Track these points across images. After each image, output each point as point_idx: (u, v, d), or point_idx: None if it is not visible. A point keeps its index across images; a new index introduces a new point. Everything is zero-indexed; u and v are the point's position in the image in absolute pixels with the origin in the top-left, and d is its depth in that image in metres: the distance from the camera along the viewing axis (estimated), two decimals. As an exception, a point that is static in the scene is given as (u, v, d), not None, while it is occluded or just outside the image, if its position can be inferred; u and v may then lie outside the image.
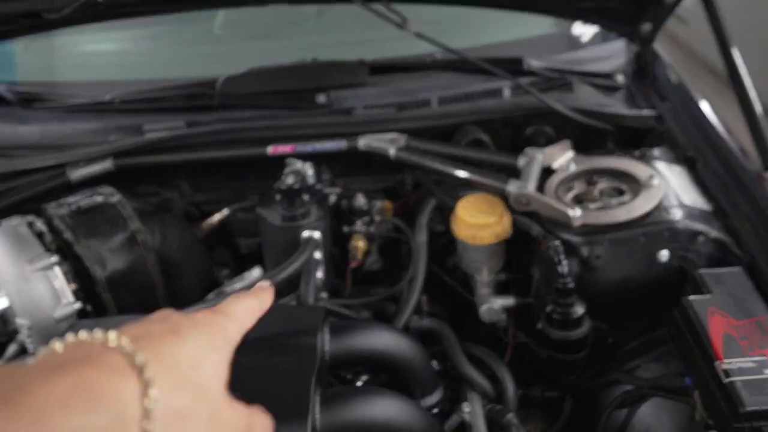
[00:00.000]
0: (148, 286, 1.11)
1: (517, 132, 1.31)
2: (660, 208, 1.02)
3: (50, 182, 1.20)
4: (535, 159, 1.15)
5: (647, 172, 1.09)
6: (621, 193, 1.10)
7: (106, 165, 1.22)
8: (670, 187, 1.07)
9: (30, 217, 1.09)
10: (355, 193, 1.20)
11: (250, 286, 1.00)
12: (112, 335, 0.42)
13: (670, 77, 1.35)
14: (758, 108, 1.09)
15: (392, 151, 1.20)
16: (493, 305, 1.12)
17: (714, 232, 1.00)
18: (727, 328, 0.84)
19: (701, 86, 1.33)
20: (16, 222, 1.07)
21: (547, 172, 1.16)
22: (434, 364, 1.02)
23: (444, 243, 1.24)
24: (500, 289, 1.18)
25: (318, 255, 1.10)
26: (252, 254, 1.30)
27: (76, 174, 1.21)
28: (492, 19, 1.48)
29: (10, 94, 1.32)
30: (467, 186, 1.17)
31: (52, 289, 1.01)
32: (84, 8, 1.12)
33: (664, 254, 1.00)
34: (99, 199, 1.12)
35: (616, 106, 1.30)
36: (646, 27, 1.29)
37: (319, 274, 1.09)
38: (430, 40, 1.22)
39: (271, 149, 1.22)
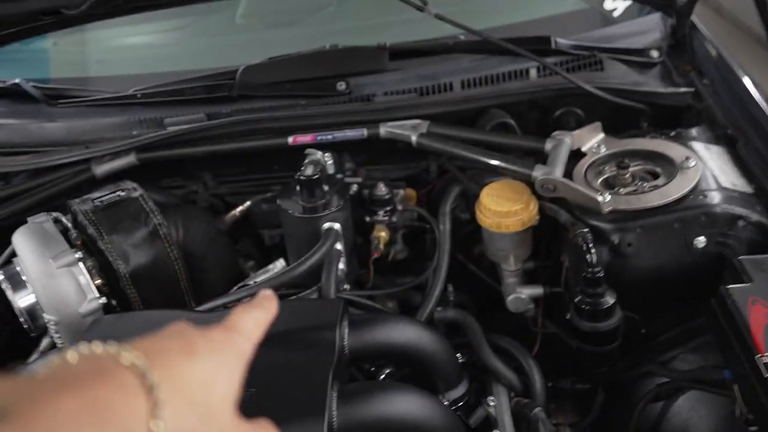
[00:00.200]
0: (172, 280, 1.11)
1: (545, 114, 1.26)
2: (696, 191, 0.97)
3: (76, 178, 1.21)
4: (563, 143, 1.11)
5: (683, 153, 1.03)
6: (655, 176, 1.04)
7: (130, 159, 1.22)
8: (708, 169, 1.02)
9: (55, 214, 1.10)
10: (376, 183, 1.17)
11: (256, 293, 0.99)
12: (126, 352, 0.42)
13: (709, 51, 1.28)
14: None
15: (414, 138, 1.16)
16: (521, 295, 1.09)
17: (755, 216, 0.94)
18: (769, 319, 0.79)
19: (747, 59, 1.25)
20: (42, 219, 1.08)
21: (577, 155, 1.11)
22: (459, 356, 0.99)
23: (470, 231, 1.20)
24: (529, 277, 1.15)
25: (339, 246, 1.08)
26: (276, 246, 1.30)
27: (101, 169, 1.21)
28: (518, -3, 1.43)
29: (36, 91, 1.33)
30: (493, 172, 1.14)
31: (77, 285, 1.02)
32: (102, 3, 1.12)
33: (700, 240, 0.94)
34: (122, 194, 1.12)
35: (651, 83, 1.24)
36: (683, -2, 1.22)
37: (341, 265, 1.07)
38: (451, 22, 1.18)
39: (291, 139, 1.20)
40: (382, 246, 1.13)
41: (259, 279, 1.07)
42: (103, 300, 1.04)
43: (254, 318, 0.53)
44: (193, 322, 0.48)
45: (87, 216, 1.07)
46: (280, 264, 1.15)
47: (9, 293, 1.02)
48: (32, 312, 1.02)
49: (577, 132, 1.12)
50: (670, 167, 1.03)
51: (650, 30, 1.37)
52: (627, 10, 1.50)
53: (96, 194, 1.13)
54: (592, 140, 1.12)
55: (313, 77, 1.27)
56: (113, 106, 1.31)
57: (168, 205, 1.21)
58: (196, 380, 0.45)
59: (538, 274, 1.16)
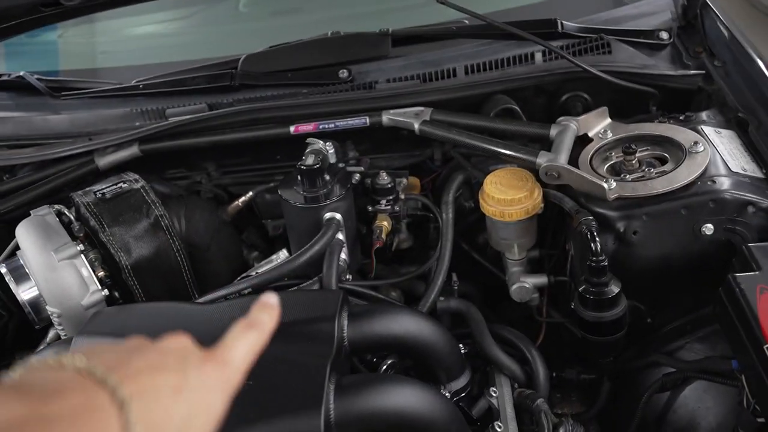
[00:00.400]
0: (174, 271, 1.12)
1: (551, 100, 1.24)
2: (704, 177, 0.94)
3: (79, 170, 1.22)
4: (568, 128, 1.08)
5: (691, 137, 1.00)
6: (663, 161, 1.02)
7: (133, 151, 1.22)
8: (717, 154, 0.99)
9: (58, 206, 1.10)
10: (378, 172, 1.16)
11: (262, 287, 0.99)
12: (111, 384, 0.40)
13: (722, 31, 1.24)
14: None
15: (417, 126, 1.15)
16: (525, 284, 1.07)
17: (765, 202, 0.91)
18: (777, 309, 0.76)
19: (764, 40, 1.20)
20: (45, 211, 1.09)
21: (583, 141, 1.09)
22: (462, 347, 0.98)
23: (474, 220, 1.19)
24: (534, 266, 1.13)
25: (341, 236, 1.07)
26: (280, 236, 1.29)
27: (104, 161, 1.21)
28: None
29: (40, 84, 1.33)
30: (497, 159, 1.12)
31: (80, 277, 1.03)
32: (100, -7, 1.12)
33: (708, 227, 0.92)
34: (124, 185, 1.13)
35: (660, 66, 1.20)
36: (695, -24, 1.18)
37: (343, 255, 1.06)
38: (455, 7, 1.16)
39: (293, 128, 1.19)
40: (383, 236, 1.12)
41: (260, 270, 1.07)
42: (106, 292, 1.05)
43: (248, 344, 0.51)
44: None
45: (89, 208, 1.07)
46: (282, 254, 1.15)
47: (12, 285, 1.03)
48: (35, 304, 1.03)
49: (583, 117, 1.10)
50: (678, 152, 1.00)
51: (661, 11, 1.33)
52: (637, -10, 1.46)
53: (98, 186, 1.13)
54: (599, 125, 1.10)
55: (314, 65, 1.26)
56: (116, 97, 1.30)
57: (171, 196, 1.21)
58: (176, 421, 0.43)
59: (544, 263, 1.14)
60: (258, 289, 0.98)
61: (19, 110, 1.34)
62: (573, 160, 1.04)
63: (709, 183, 0.93)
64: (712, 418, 0.91)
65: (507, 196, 1.02)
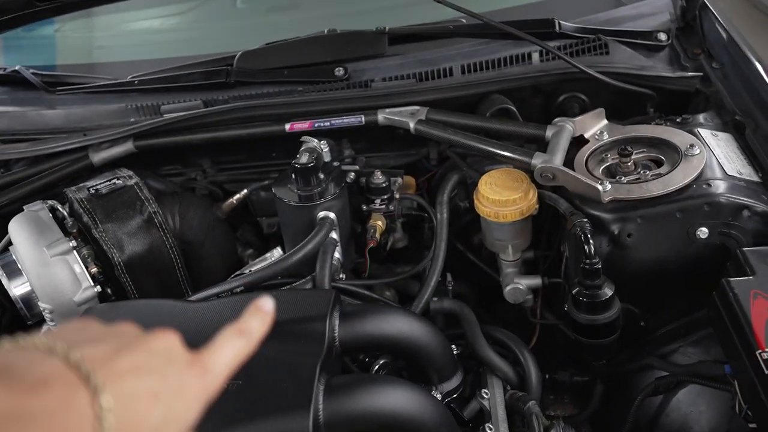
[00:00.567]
0: (167, 268, 1.11)
1: (548, 100, 1.23)
2: (700, 180, 0.94)
3: (74, 165, 1.21)
4: (564, 129, 1.08)
5: (688, 140, 1.00)
6: (658, 164, 1.01)
7: (127, 147, 1.21)
8: (713, 157, 0.98)
9: (51, 202, 1.10)
10: (373, 171, 1.15)
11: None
12: (94, 384, 0.39)
13: (721, 33, 1.23)
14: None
15: (412, 125, 1.14)
16: (519, 285, 1.07)
17: (761, 206, 0.91)
18: (770, 314, 0.76)
19: (764, 42, 1.19)
20: (38, 207, 1.08)
21: (579, 142, 1.08)
22: (454, 347, 0.98)
23: (469, 220, 1.18)
24: (528, 268, 1.12)
25: (334, 235, 1.07)
26: (275, 234, 1.29)
27: (99, 157, 1.21)
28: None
29: (35, 78, 1.33)
30: (493, 160, 1.11)
31: (72, 273, 1.02)
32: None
33: (703, 231, 0.91)
34: (117, 182, 1.12)
35: (657, 67, 1.19)
36: (694, -23, 1.18)
37: (337, 254, 1.06)
38: (452, 5, 1.15)
39: (288, 126, 1.19)
40: (378, 235, 1.11)
41: (253, 268, 1.06)
42: (98, 288, 1.04)
43: (234, 351, 0.50)
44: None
45: (82, 204, 1.07)
46: (277, 253, 1.14)
47: (5, 281, 1.03)
48: (27, 300, 1.03)
49: (579, 118, 1.09)
50: (674, 155, 1.00)
51: (659, 12, 1.32)
52: (637, -10, 1.45)
53: (92, 182, 1.13)
54: (595, 127, 1.09)
55: (311, 63, 1.25)
56: (111, 92, 1.30)
57: (166, 193, 1.20)
58: (152, 426, 0.42)
59: (538, 265, 1.14)
60: (250, 288, 0.98)
61: (14, 105, 1.34)
62: (568, 162, 1.03)
63: (704, 186, 0.93)
64: (704, 422, 0.90)
65: (502, 197, 1.02)
